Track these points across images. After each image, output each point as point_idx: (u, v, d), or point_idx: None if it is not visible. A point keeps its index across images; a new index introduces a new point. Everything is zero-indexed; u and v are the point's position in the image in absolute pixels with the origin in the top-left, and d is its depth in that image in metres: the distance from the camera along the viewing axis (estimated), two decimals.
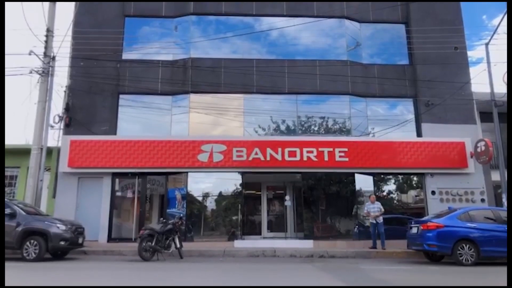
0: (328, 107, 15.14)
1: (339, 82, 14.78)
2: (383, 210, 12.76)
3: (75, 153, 13.61)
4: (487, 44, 14.23)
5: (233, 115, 14.80)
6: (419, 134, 14.81)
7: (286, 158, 13.82)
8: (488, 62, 13.99)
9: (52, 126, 13.60)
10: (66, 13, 16.89)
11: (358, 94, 15.07)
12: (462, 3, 15.67)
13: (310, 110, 15.12)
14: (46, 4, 13.84)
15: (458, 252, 9.88)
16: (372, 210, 12.78)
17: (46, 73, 13.39)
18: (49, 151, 13.72)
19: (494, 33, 14.27)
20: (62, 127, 13.90)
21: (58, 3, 13.95)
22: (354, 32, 15.78)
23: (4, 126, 11.24)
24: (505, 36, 14.35)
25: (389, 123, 14.89)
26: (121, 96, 14.60)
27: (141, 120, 14.64)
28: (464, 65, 15.30)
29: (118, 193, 14.16)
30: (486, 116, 14.87)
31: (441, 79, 14.80)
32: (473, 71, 31.99)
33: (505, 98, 13.53)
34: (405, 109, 15.33)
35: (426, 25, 15.36)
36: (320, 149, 13.94)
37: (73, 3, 14.43)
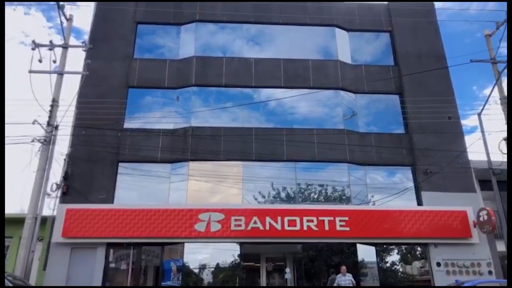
0: (327, 175, 15.14)
1: (337, 150, 14.96)
2: (354, 283, 12.16)
3: (70, 222, 13.32)
4: (479, 114, 14.60)
5: (231, 182, 14.75)
6: (419, 202, 14.66)
7: (286, 227, 13.51)
8: (482, 131, 14.25)
9: (49, 195, 13.43)
10: (72, 84, 17.57)
11: (356, 162, 15.17)
12: (452, 79, 16.38)
13: (309, 178, 15.11)
14: (54, 76, 14.41)
15: None
16: (343, 283, 12.17)
17: (48, 141, 13.51)
18: (44, 220, 13.43)
19: (485, 103, 14.71)
20: (59, 195, 13.76)
21: (65, 76, 14.51)
22: (349, 102, 16.30)
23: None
24: (497, 105, 14.80)
25: (389, 191, 14.80)
26: (120, 164, 14.66)
27: (139, 188, 14.55)
28: (459, 134, 15.60)
29: (112, 265, 13.61)
30: (485, 184, 14.81)
31: (438, 147, 15.00)
32: (469, 139, 32.66)
33: (503, 166, 13.58)
34: (404, 177, 15.34)
35: (419, 95, 15.93)
36: (320, 218, 13.69)
37: (79, 76, 15.01)
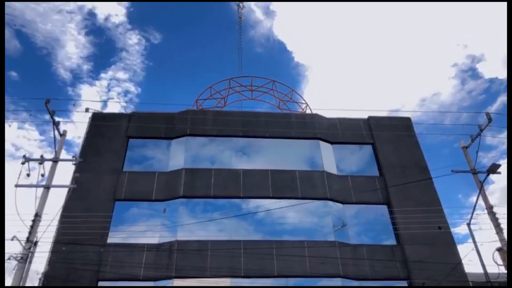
0: None
1: (328, 264, 14.37)
2: None
3: None
4: (468, 224, 14.53)
5: None
6: None
7: None
8: (474, 242, 13.97)
9: None
10: (57, 196, 17.34)
11: (350, 277, 14.45)
12: (437, 188, 16.76)
13: None
14: (40, 190, 14.24)
15: None
16: None
17: (25, 259, 12.78)
18: None
19: (473, 212, 14.74)
20: None
21: (52, 190, 14.37)
22: (338, 212, 16.21)
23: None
24: (484, 214, 14.82)
25: None
26: (100, 283, 13.71)
27: None
28: (451, 244, 15.30)
29: None
30: None
31: (431, 259, 14.56)
32: (462, 248, 32.00)
33: (501, 279, 13.05)
34: None
35: (406, 206, 15.99)
36: None
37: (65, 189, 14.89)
